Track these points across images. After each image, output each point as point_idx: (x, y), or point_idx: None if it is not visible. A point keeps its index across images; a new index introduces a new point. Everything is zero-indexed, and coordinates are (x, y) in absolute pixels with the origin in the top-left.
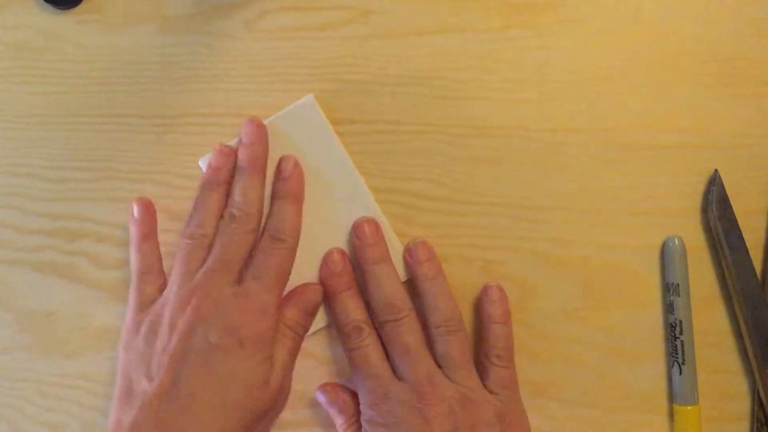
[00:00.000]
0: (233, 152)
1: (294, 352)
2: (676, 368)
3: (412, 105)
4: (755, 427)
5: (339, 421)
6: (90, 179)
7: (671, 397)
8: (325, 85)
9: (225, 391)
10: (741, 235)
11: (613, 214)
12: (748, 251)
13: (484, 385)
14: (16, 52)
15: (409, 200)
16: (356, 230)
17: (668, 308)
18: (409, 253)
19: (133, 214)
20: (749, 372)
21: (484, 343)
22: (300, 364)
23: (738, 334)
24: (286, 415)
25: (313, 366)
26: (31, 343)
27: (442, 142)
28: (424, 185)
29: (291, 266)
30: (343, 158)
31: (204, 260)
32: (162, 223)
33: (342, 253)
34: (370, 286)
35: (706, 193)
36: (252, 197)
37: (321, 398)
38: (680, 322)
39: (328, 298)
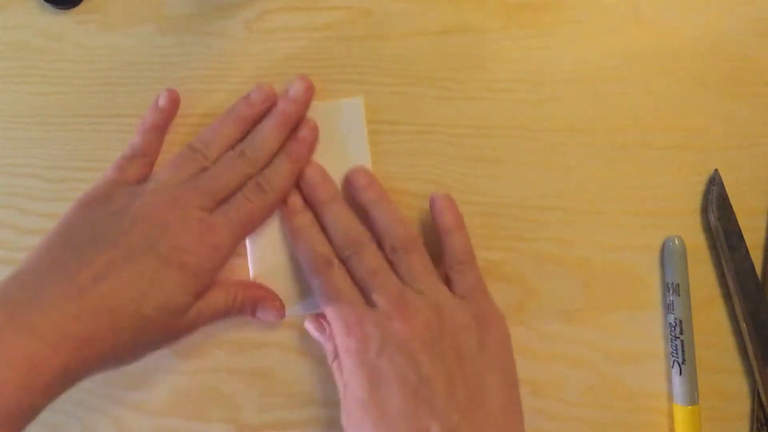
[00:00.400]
0: (274, 97)
1: (216, 315)
2: (676, 368)
3: (412, 105)
4: (755, 427)
5: (329, 347)
6: (90, 179)
7: (671, 397)
8: (325, 86)
9: (144, 298)
10: (741, 235)
11: (613, 214)
12: (748, 251)
13: (454, 293)
14: (16, 52)
15: (409, 200)
16: (302, 177)
17: (668, 308)
18: (348, 181)
19: (157, 101)
20: (749, 372)
21: (444, 255)
22: (299, 363)
23: (738, 334)
24: (286, 414)
25: (313, 366)
26: None
27: (442, 142)
28: (424, 185)
29: (263, 220)
30: (366, 166)
31: (192, 176)
32: None
33: (300, 195)
34: (327, 226)
35: (706, 193)
36: (269, 145)
37: (310, 327)
38: (680, 321)
39: (292, 236)
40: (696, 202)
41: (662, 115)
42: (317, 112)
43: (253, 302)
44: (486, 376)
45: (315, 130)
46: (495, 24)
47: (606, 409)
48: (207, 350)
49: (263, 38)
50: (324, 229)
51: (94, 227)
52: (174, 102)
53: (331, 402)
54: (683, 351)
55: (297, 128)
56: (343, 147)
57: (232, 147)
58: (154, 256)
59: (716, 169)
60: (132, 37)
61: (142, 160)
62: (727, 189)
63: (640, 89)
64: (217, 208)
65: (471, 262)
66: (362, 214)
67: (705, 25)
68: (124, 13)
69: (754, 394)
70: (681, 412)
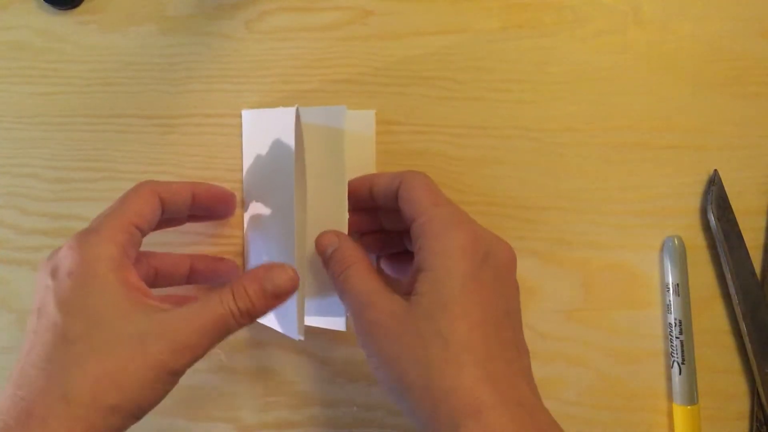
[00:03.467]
0: None
1: (218, 327)
2: (675, 368)
3: (412, 105)
4: (755, 427)
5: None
6: (90, 179)
7: (671, 397)
8: (325, 86)
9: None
10: (740, 235)
11: (613, 214)
12: (747, 251)
13: None
14: (16, 52)
15: None
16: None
17: (668, 308)
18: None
19: None
20: (749, 372)
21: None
22: (299, 363)
23: (737, 334)
24: (286, 414)
25: (313, 366)
26: None
27: (442, 142)
28: None
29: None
30: (340, 175)
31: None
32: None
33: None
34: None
35: (706, 193)
36: None
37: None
38: (680, 321)
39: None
40: (696, 202)
41: (662, 115)
42: (301, 114)
43: (259, 285)
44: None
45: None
46: (495, 24)
47: (606, 408)
48: None
49: (263, 38)
50: None
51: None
52: None
53: (331, 402)
54: (683, 351)
55: None
56: (320, 152)
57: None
58: (64, 282)
59: (716, 170)
60: (132, 37)
61: None
62: (726, 189)
63: (640, 89)
64: None
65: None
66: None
67: (705, 25)
68: (124, 13)
69: (754, 394)
70: (680, 412)
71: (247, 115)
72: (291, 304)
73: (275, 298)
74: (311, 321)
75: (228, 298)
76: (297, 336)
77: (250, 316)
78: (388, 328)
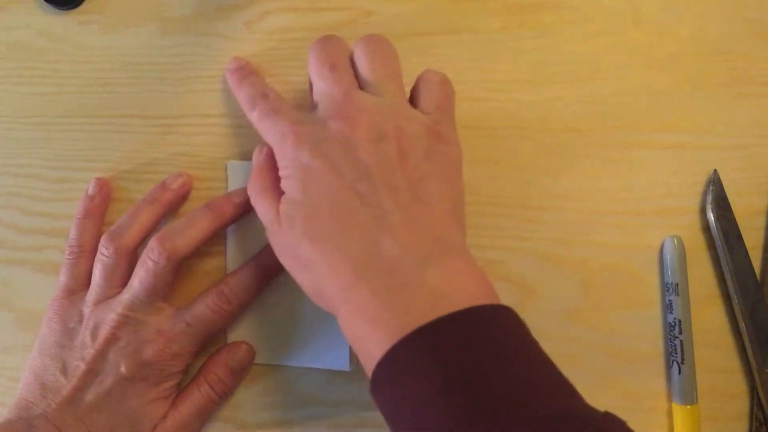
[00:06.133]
0: (189, 184)
1: (204, 410)
2: (675, 368)
3: None
4: (754, 426)
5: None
6: (90, 179)
7: (670, 397)
8: None
9: (116, 416)
10: (740, 235)
11: (613, 214)
12: (747, 251)
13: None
14: (16, 52)
15: None
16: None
17: (667, 308)
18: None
19: (87, 190)
20: (748, 372)
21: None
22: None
23: (737, 334)
24: (285, 414)
25: (314, 367)
26: (32, 343)
27: None
28: None
29: (225, 327)
30: None
31: (126, 273)
32: (163, 224)
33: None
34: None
35: (706, 193)
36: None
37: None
38: (679, 321)
39: (233, 87)
40: (695, 202)
41: (662, 115)
42: None
43: (228, 368)
44: (430, 182)
45: None
46: (494, 24)
47: (605, 408)
48: (207, 349)
49: (263, 39)
50: None
51: (62, 350)
52: (102, 188)
53: (331, 402)
54: (682, 350)
55: None
56: None
57: (149, 233)
58: (118, 377)
59: (715, 170)
60: (132, 37)
61: (84, 254)
62: (726, 189)
63: (640, 89)
64: (175, 310)
65: (446, 81)
66: None
67: (705, 25)
68: (124, 13)
69: (753, 393)
70: (680, 412)
71: (232, 166)
72: (337, 338)
73: (242, 373)
74: (314, 363)
75: (205, 387)
76: (348, 367)
77: (227, 395)
78: None
